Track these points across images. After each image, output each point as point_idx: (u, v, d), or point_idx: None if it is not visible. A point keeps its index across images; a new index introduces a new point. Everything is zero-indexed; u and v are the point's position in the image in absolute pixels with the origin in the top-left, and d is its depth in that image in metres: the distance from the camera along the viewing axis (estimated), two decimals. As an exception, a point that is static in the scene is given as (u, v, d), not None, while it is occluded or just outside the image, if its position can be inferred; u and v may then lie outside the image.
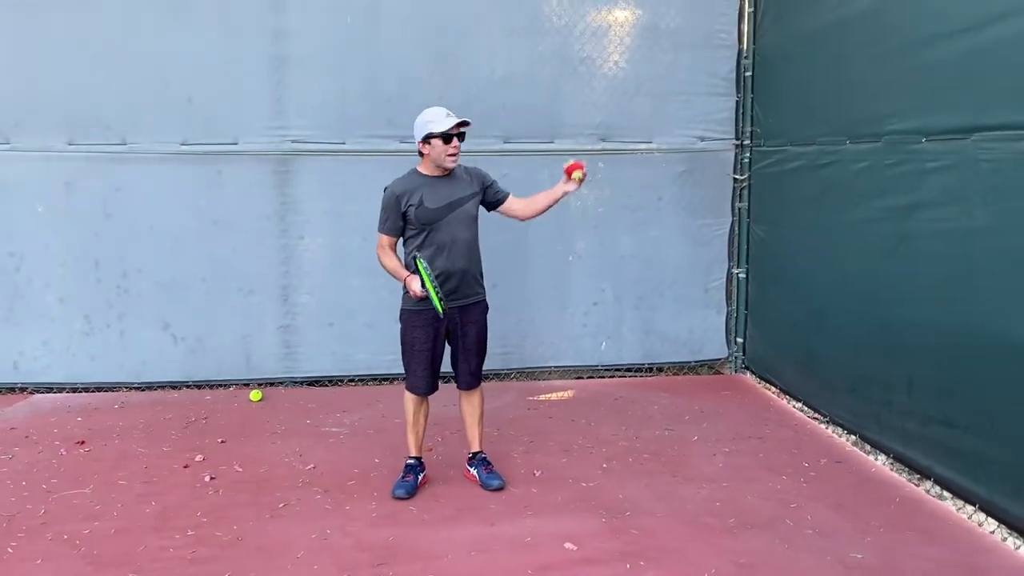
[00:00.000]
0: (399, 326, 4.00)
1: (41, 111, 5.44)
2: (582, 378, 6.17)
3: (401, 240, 3.98)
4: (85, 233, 5.57)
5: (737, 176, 6.08)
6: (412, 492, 3.97)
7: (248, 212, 5.68)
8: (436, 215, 3.84)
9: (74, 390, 5.68)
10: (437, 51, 5.71)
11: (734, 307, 6.23)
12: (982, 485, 3.70)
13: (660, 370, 6.29)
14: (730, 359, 6.31)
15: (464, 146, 5.61)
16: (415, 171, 3.97)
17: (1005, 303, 3.52)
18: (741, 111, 6.00)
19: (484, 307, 4.07)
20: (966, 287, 3.76)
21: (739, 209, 6.11)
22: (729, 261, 6.20)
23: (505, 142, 5.85)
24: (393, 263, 3.90)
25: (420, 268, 3.72)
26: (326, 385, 5.90)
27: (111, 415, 5.21)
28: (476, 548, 3.46)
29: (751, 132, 5.96)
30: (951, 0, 3.82)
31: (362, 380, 5.93)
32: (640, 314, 6.18)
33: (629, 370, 6.26)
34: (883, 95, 4.36)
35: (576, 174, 3.97)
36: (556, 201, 4.10)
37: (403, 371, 4.06)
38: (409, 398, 4.04)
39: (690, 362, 6.30)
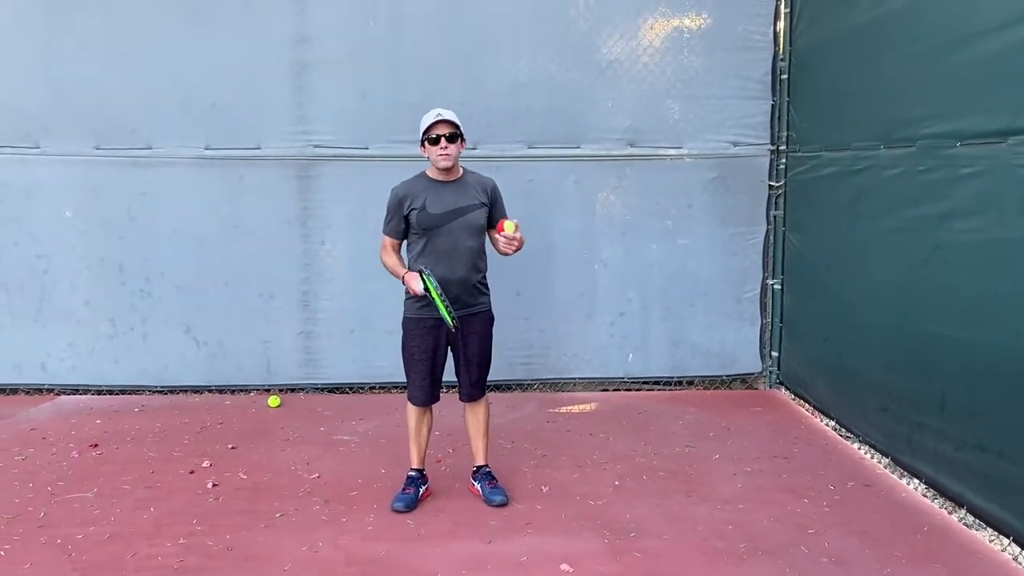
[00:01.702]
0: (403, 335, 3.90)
1: (69, 116, 5.52)
2: (608, 390, 5.99)
3: (406, 244, 3.90)
4: (110, 237, 5.62)
5: (772, 183, 5.83)
6: (412, 505, 3.86)
7: (270, 217, 5.67)
8: (438, 221, 3.74)
9: (99, 392, 5.74)
10: (461, 54, 5.62)
11: (769, 319, 5.98)
12: (1017, 516, 3.42)
13: (690, 384, 6.08)
14: (764, 374, 6.05)
15: (488, 152, 5.66)
16: (423, 174, 3.88)
17: (1041, 320, 3.26)
18: (777, 115, 5.76)
19: (487, 318, 3.94)
20: (999, 302, 3.50)
21: (774, 217, 5.86)
22: (764, 271, 5.96)
23: (529, 147, 5.73)
24: (392, 261, 3.83)
25: (427, 283, 3.61)
26: (347, 392, 5.85)
27: (130, 418, 5.23)
28: (468, 566, 3.33)
29: (787, 137, 5.71)
30: (987, -6, 3.57)
31: (383, 388, 5.86)
32: (669, 325, 5.97)
33: (657, 383, 6.06)
34: (917, 97, 4.11)
35: (506, 229, 3.74)
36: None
37: None
38: (410, 408, 3.94)
39: (722, 376, 6.07)
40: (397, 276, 3.78)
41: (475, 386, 3.94)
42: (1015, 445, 3.43)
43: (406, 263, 3.87)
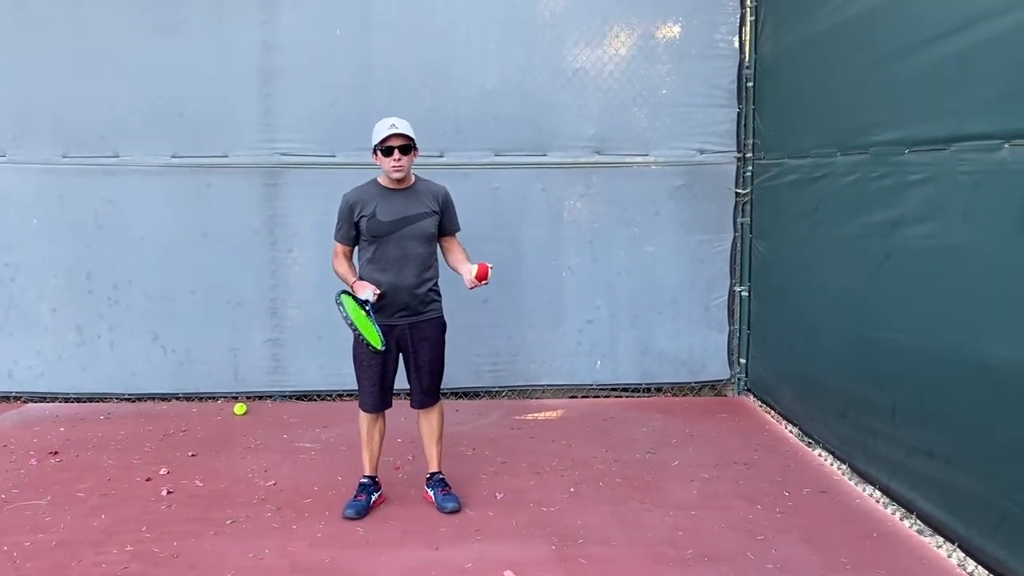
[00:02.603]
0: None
1: (36, 124, 5.54)
2: (576, 397, 5.99)
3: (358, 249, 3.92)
4: (78, 244, 5.63)
5: (739, 190, 5.85)
6: (363, 512, 3.86)
7: (237, 225, 5.68)
8: (387, 228, 3.75)
9: (66, 400, 5.73)
10: (428, 62, 5.64)
11: (736, 326, 5.99)
12: (961, 521, 3.43)
13: (659, 391, 6.08)
14: (732, 381, 6.06)
15: (455, 159, 5.68)
16: (374, 181, 3.89)
17: (980, 327, 3.27)
18: (743, 123, 5.79)
19: (438, 324, 3.94)
20: (942, 309, 3.51)
21: (741, 224, 5.88)
22: (731, 278, 5.97)
23: (496, 154, 5.75)
24: (343, 268, 3.85)
25: (347, 308, 3.55)
26: (315, 400, 5.85)
27: (94, 426, 5.23)
28: (413, 573, 3.33)
29: (753, 144, 5.73)
30: (930, 5, 3.59)
31: (351, 395, 5.85)
32: (637, 332, 5.98)
33: (626, 390, 6.06)
34: (870, 105, 4.13)
35: (481, 282, 3.75)
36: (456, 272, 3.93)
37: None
38: (362, 415, 3.95)
39: (690, 383, 6.08)
40: (347, 284, 3.79)
41: (426, 393, 3.93)
42: (961, 452, 3.43)
43: (358, 269, 3.89)
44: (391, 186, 3.83)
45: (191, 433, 5.10)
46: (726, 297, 5.98)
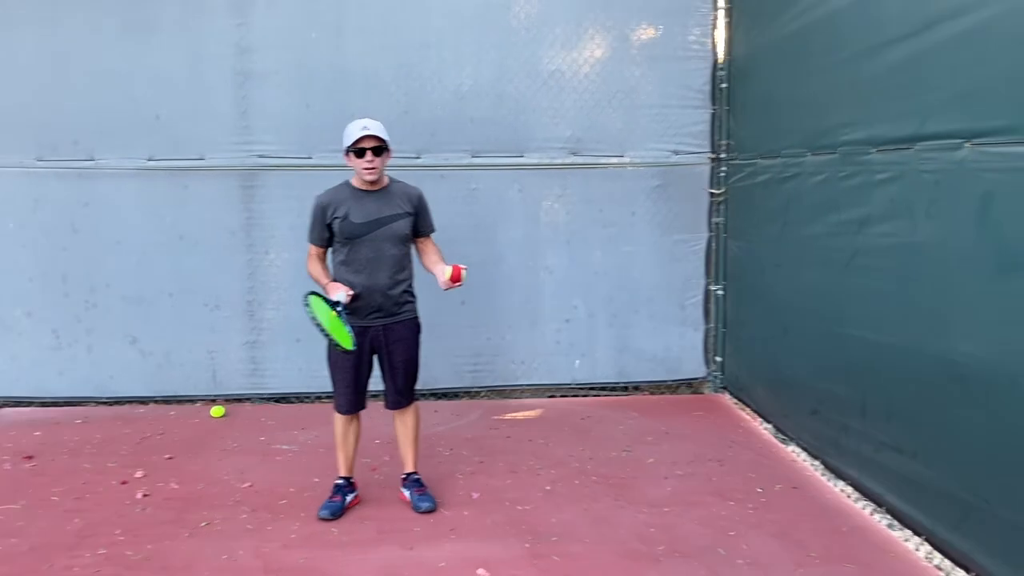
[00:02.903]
0: None
1: (10, 128, 5.51)
2: (555, 396, 6.02)
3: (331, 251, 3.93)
4: (54, 248, 5.61)
5: (713, 190, 5.90)
6: (338, 513, 3.88)
7: (214, 227, 5.68)
8: (360, 230, 3.76)
9: (43, 404, 5.71)
10: (403, 64, 5.66)
11: (712, 325, 6.04)
12: (927, 515, 3.49)
13: (637, 389, 6.12)
14: (709, 378, 6.11)
15: (432, 161, 5.70)
16: (347, 183, 3.91)
17: (943, 324, 3.32)
18: (717, 124, 5.84)
19: (413, 325, 3.95)
20: (908, 306, 3.57)
21: (716, 224, 5.93)
22: (707, 278, 6.02)
23: (473, 156, 5.77)
24: (317, 271, 3.86)
25: (314, 308, 3.57)
26: (293, 402, 5.85)
27: (70, 430, 5.21)
28: (385, 573, 3.36)
29: (726, 145, 5.78)
30: (894, 6, 3.64)
31: (329, 397, 5.81)
32: (614, 331, 6.02)
33: (604, 389, 6.10)
34: (837, 105, 4.19)
35: (454, 283, 3.77)
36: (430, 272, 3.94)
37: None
38: (337, 417, 3.96)
39: (668, 381, 6.13)
40: (321, 285, 3.81)
41: (400, 394, 3.95)
42: (928, 447, 3.49)
43: (331, 271, 3.90)
44: (364, 188, 3.84)
45: (168, 436, 5.09)
46: (702, 296, 6.03)
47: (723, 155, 5.82)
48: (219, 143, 5.62)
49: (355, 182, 3.87)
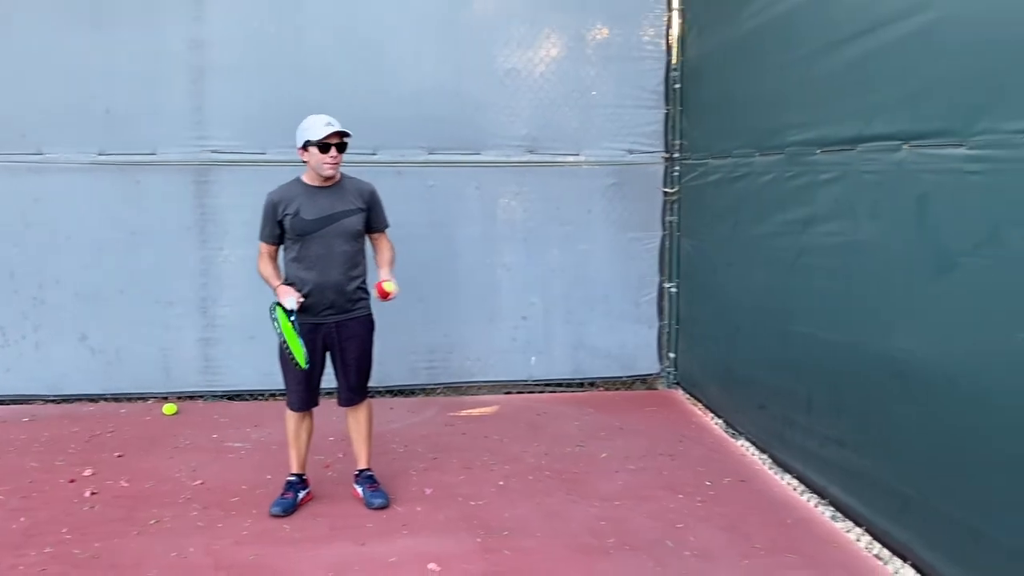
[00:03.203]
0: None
1: (-44, 121, 5.40)
2: (511, 393, 6.06)
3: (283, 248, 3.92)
4: (4, 244, 5.50)
5: (667, 189, 5.99)
6: (289, 510, 3.87)
7: (167, 223, 5.62)
8: (311, 227, 3.76)
9: (-11, 402, 5.60)
10: (360, 61, 5.65)
11: (666, 322, 6.12)
12: (868, 507, 3.59)
13: (592, 385, 6.19)
14: (662, 375, 6.20)
15: (389, 157, 5.70)
16: (298, 179, 3.90)
17: (883, 321, 3.43)
18: (670, 124, 5.92)
19: (366, 322, 3.96)
20: (851, 304, 3.67)
21: (670, 223, 6.02)
22: (661, 275, 6.11)
23: (430, 153, 5.78)
24: (267, 270, 3.85)
25: (281, 323, 3.62)
26: (247, 399, 5.81)
27: (16, 428, 5.12)
28: (336, 568, 3.36)
29: (680, 145, 5.87)
30: (838, 10, 3.74)
31: (284, 395, 5.79)
32: (570, 328, 6.08)
33: (560, 385, 6.16)
34: (784, 107, 4.29)
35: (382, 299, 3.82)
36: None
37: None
38: (289, 414, 3.95)
39: (622, 377, 6.20)
40: (271, 286, 3.79)
41: (353, 391, 3.96)
42: (869, 441, 3.59)
43: (283, 268, 3.89)
44: (317, 184, 3.83)
45: (119, 434, 5.03)
46: (656, 294, 6.12)
47: (676, 155, 5.90)
48: (172, 138, 5.56)
49: (307, 178, 3.87)
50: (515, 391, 6.09)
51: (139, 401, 5.70)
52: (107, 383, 5.69)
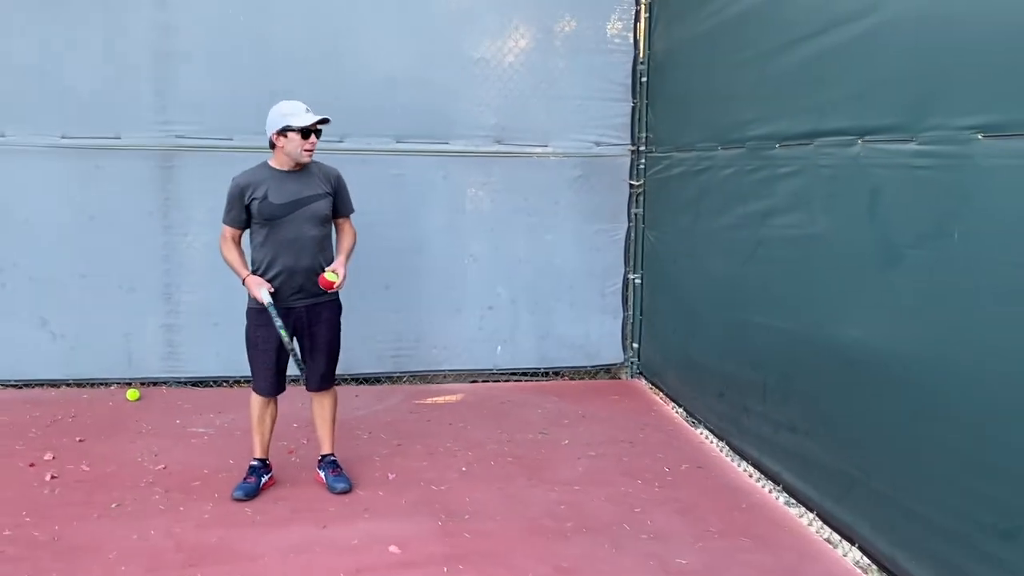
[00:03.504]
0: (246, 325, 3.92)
1: (-86, 101, 5.31)
2: (477, 382, 6.11)
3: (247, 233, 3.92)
4: (-39, 227, 5.44)
5: (633, 182, 6.06)
6: (252, 494, 3.89)
7: (130, 208, 5.57)
8: (279, 211, 3.77)
9: (-53, 387, 5.54)
10: (328, 48, 5.64)
11: (630, 312, 6.21)
12: (817, 490, 3.69)
13: (557, 374, 6.26)
14: (626, 364, 6.29)
15: (356, 145, 5.71)
16: (265, 164, 3.90)
17: (835, 310, 3.52)
18: (637, 116, 5.99)
19: (335, 306, 3.99)
20: (805, 294, 3.77)
21: (635, 215, 6.09)
22: (626, 266, 6.19)
23: (398, 141, 5.80)
24: (234, 257, 3.82)
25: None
26: (210, 386, 5.80)
27: (-25, 413, 5.08)
28: (297, 550, 3.39)
29: (646, 138, 5.95)
30: (798, 8, 3.82)
31: (248, 381, 5.78)
32: (536, 318, 6.14)
33: (525, 374, 6.22)
34: (746, 101, 4.37)
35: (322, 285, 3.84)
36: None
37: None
38: (256, 399, 3.96)
39: (587, 367, 6.28)
40: (239, 276, 3.78)
41: (324, 376, 3.98)
42: (818, 426, 3.69)
43: (247, 255, 3.89)
44: (285, 168, 3.84)
45: (80, 419, 5.00)
46: (621, 284, 6.20)
47: (643, 147, 5.98)
48: (136, 122, 5.51)
49: (274, 163, 3.87)
50: (481, 380, 6.14)
51: (102, 387, 5.67)
52: (69, 369, 5.64)
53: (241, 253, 3.89)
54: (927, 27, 2.97)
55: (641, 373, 6.16)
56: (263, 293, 3.70)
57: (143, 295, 5.65)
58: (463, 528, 3.64)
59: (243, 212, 3.81)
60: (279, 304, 3.76)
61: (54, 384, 5.64)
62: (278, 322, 3.68)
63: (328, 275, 3.79)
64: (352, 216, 4.12)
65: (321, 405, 4.07)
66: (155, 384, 5.74)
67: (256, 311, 3.84)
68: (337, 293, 4.01)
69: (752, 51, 4.28)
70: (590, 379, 6.28)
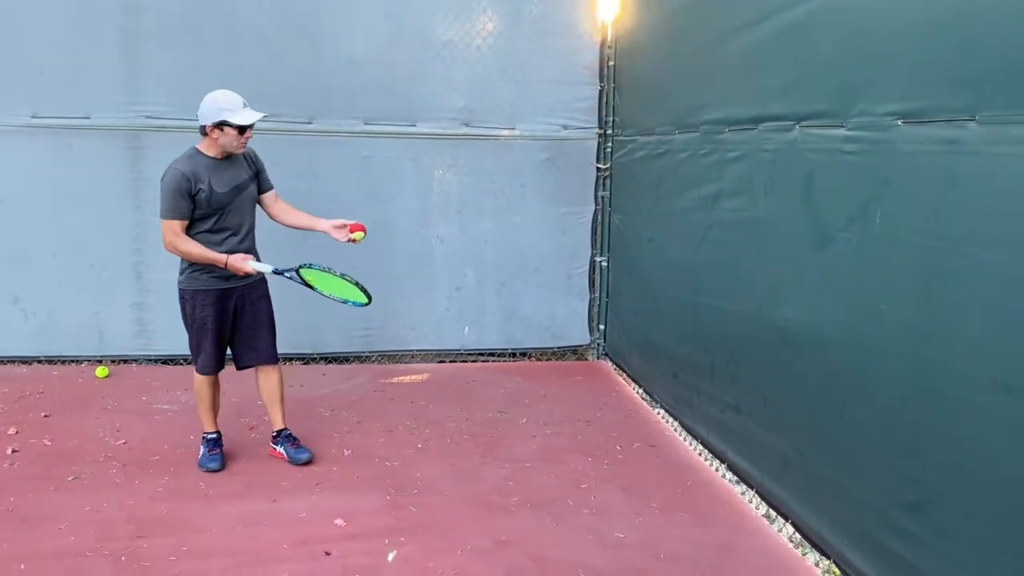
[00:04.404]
0: (183, 307, 3.98)
1: None
2: (444, 362, 6.20)
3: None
4: (-68, 205, 5.49)
5: (600, 165, 6.12)
6: (224, 463, 4.02)
7: (101, 187, 5.64)
8: (225, 199, 3.82)
9: (-81, 363, 5.61)
10: (296, 28, 5.67)
11: (597, 294, 6.28)
12: (757, 468, 3.78)
13: (525, 355, 6.34)
14: (592, 346, 6.37)
15: (324, 127, 5.76)
16: (197, 151, 3.86)
17: (774, 292, 3.60)
18: (604, 100, 6.04)
19: (265, 283, 4.09)
20: (748, 276, 3.85)
21: (602, 198, 6.15)
22: (593, 249, 6.25)
23: (366, 123, 5.84)
24: (200, 249, 3.75)
25: (316, 276, 3.75)
26: (180, 364, 5.87)
27: (-55, 388, 5.16)
28: (245, 523, 3.49)
29: (612, 122, 6.00)
30: (745, -8, 3.88)
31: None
32: (502, 300, 6.22)
33: (492, 355, 6.30)
34: (700, 86, 4.42)
35: (357, 235, 3.95)
36: (312, 230, 4.05)
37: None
38: (201, 379, 4.02)
39: (554, 348, 6.36)
40: (218, 262, 3.73)
41: (272, 347, 4.08)
42: (759, 406, 3.78)
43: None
44: (217, 156, 3.85)
45: (48, 395, 5.09)
46: (587, 267, 6.27)
47: (610, 131, 6.03)
48: (106, 102, 5.56)
49: (206, 150, 3.85)
50: (448, 360, 6.22)
51: (73, 364, 5.75)
52: (40, 346, 5.73)
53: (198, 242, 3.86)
54: (855, 13, 3.02)
55: (607, 355, 6.24)
56: (255, 264, 3.77)
57: (114, 273, 5.73)
58: (410, 502, 3.73)
59: (191, 203, 3.76)
60: (221, 284, 3.86)
61: (25, 361, 5.72)
62: (288, 273, 3.75)
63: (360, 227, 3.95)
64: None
65: (271, 381, 4.14)
66: (125, 362, 5.82)
67: (203, 292, 3.87)
68: None
69: (706, 35, 4.32)
70: (557, 360, 6.36)
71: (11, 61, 5.43)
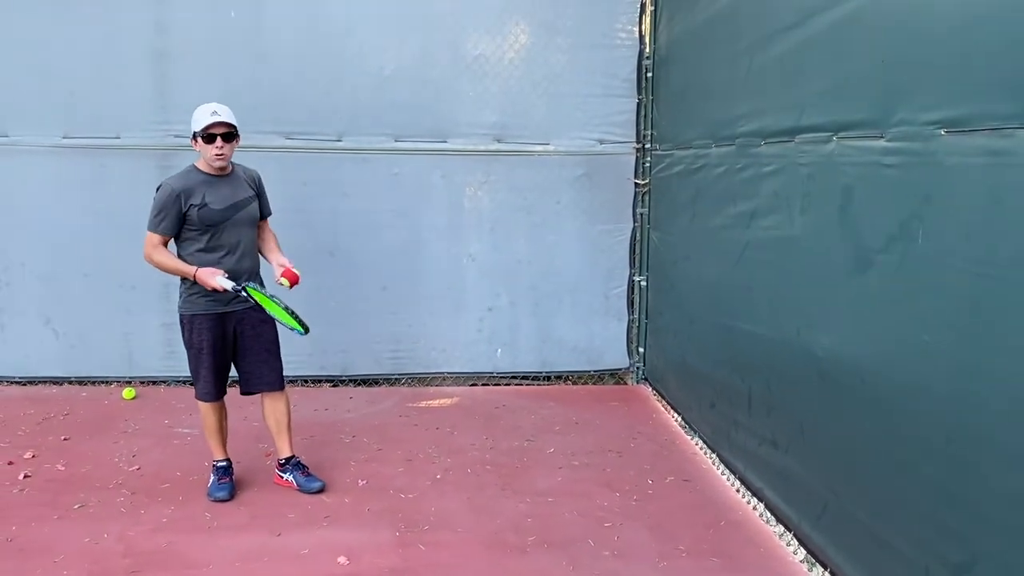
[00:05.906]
0: (182, 332, 3.87)
1: (-79, 103, 5.43)
2: (476, 385, 5.99)
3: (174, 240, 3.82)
4: (-33, 227, 5.54)
5: (638, 181, 5.86)
6: (234, 493, 3.89)
7: (131, 207, 5.52)
8: (220, 216, 3.70)
9: (-45, 383, 5.65)
10: (324, 46, 5.58)
11: (636, 316, 6.01)
12: (795, 509, 3.48)
13: (559, 379, 6.10)
14: (631, 369, 6.09)
15: (353, 144, 5.64)
16: (194, 168, 3.78)
17: (811, 318, 3.30)
18: (642, 113, 5.79)
19: None
20: (784, 300, 3.55)
21: (640, 215, 5.89)
22: (631, 268, 5.99)
23: (396, 140, 5.71)
24: (173, 261, 3.69)
25: (256, 295, 3.62)
26: (209, 385, 5.79)
27: (-26, 409, 5.17)
28: (245, 558, 3.33)
29: (651, 135, 5.74)
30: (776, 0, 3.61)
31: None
32: (537, 321, 5.99)
33: (526, 378, 6.07)
34: (736, 96, 4.15)
35: (284, 281, 3.77)
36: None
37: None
38: (207, 406, 3.90)
39: (591, 371, 6.10)
40: (187, 274, 3.66)
41: (278, 372, 3.95)
42: (796, 442, 3.47)
43: (185, 260, 3.77)
44: (214, 173, 3.75)
45: (72, 417, 5.05)
46: (626, 286, 6.00)
47: (648, 145, 5.77)
48: (136, 122, 5.54)
49: (204, 168, 3.77)
50: (480, 383, 6.02)
51: (102, 385, 5.72)
52: (70, 366, 5.72)
53: (173, 254, 3.78)
54: (897, 16, 2.73)
55: (647, 379, 5.96)
56: (221, 280, 3.62)
57: (143, 294, 5.68)
58: (419, 539, 3.53)
59: (178, 219, 3.67)
60: (219, 308, 3.75)
61: (56, 382, 5.71)
62: (251, 285, 3.63)
63: (293, 270, 3.75)
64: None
65: (278, 409, 4.00)
66: (154, 383, 5.77)
67: (202, 316, 3.76)
68: None
69: (742, 43, 4.05)
70: (595, 384, 6.10)
71: (43, 82, 5.45)
